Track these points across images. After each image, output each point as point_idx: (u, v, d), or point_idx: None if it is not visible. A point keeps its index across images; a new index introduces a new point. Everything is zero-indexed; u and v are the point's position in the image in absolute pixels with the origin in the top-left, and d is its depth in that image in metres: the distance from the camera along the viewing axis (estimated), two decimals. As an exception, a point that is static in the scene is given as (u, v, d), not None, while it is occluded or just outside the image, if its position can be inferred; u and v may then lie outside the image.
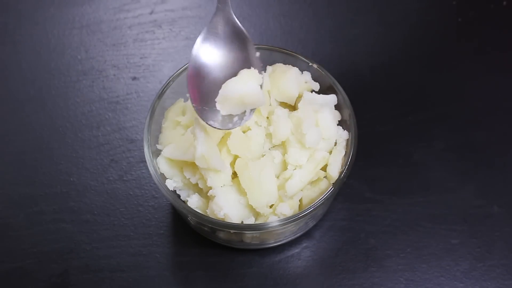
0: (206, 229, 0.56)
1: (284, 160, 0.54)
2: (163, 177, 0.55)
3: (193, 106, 0.49)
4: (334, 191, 0.52)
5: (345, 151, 0.55)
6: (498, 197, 0.63)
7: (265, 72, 0.58)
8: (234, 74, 0.50)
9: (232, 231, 0.52)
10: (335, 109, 0.58)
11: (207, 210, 0.53)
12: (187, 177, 0.54)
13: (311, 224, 0.59)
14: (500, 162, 0.65)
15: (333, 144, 0.56)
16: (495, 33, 0.76)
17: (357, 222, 0.61)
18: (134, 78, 0.73)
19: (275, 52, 0.60)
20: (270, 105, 0.57)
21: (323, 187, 0.54)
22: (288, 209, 0.52)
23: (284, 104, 0.58)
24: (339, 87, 0.57)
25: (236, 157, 0.52)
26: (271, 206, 0.53)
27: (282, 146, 0.55)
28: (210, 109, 0.49)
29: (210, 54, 0.50)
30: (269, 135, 0.54)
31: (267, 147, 0.55)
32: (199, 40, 0.50)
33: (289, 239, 0.59)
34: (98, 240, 0.61)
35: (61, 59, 0.75)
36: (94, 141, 0.68)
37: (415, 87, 0.72)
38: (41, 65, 0.75)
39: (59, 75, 0.74)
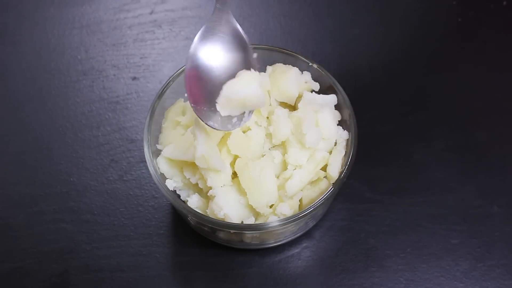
0: (206, 229, 0.56)
1: (284, 160, 0.54)
2: (163, 177, 0.55)
3: (192, 106, 0.49)
4: (334, 191, 0.52)
5: (345, 151, 0.55)
6: (498, 197, 0.63)
7: (265, 72, 0.58)
8: (232, 75, 0.49)
9: (232, 231, 0.52)
10: (335, 109, 0.58)
11: (207, 210, 0.53)
12: (187, 177, 0.54)
13: (311, 224, 0.59)
14: (500, 162, 0.65)
15: (333, 144, 0.56)
16: (495, 33, 0.76)
17: (357, 222, 0.61)
18: (134, 78, 0.73)
19: (275, 52, 0.60)
20: (270, 105, 0.57)
21: (323, 187, 0.54)
22: (288, 209, 0.52)
23: (284, 104, 0.58)
24: (339, 87, 0.57)
25: (236, 157, 0.52)
26: (271, 206, 0.53)
27: (282, 146, 0.55)
28: (209, 110, 0.49)
29: (208, 54, 0.50)
30: (269, 135, 0.54)
31: (267, 147, 0.55)
32: (196, 39, 0.50)
33: (289, 239, 0.59)
34: (98, 240, 0.61)
35: (61, 59, 0.75)
36: (94, 141, 0.68)
37: (415, 87, 0.72)
38: (41, 65, 0.75)
39: (59, 75, 0.74)
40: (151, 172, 0.53)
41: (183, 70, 0.58)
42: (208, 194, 0.52)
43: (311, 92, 0.58)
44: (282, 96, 0.57)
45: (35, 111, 0.71)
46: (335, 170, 0.54)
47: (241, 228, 0.52)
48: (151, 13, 0.80)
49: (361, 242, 0.60)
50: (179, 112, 0.58)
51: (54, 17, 0.79)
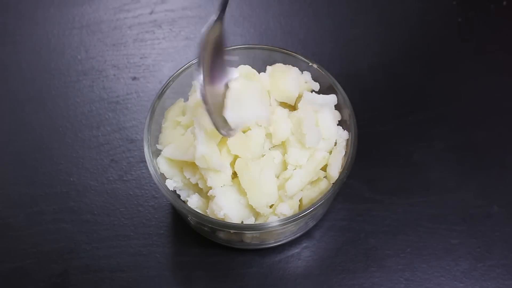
0: (206, 229, 0.56)
1: (284, 160, 0.54)
2: (163, 177, 0.55)
3: (205, 108, 0.46)
4: (334, 191, 0.52)
5: (345, 151, 0.55)
6: (498, 197, 0.63)
7: (265, 72, 0.58)
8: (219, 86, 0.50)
9: (232, 231, 0.52)
10: (335, 109, 0.58)
11: (207, 210, 0.53)
12: (187, 177, 0.54)
13: (311, 224, 0.59)
14: (500, 162, 0.65)
15: (333, 144, 0.56)
16: (495, 33, 0.76)
17: (357, 222, 0.61)
18: (134, 78, 0.73)
19: (275, 52, 0.60)
20: (270, 105, 0.57)
21: (323, 187, 0.54)
22: (288, 209, 0.52)
23: (284, 104, 0.58)
24: (339, 87, 0.57)
25: (236, 157, 0.52)
26: (271, 206, 0.52)
27: (282, 146, 0.55)
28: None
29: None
30: (269, 135, 0.54)
31: (267, 147, 0.55)
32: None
33: (289, 239, 0.59)
34: (98, 240, 0.61)
35: (61, 59, 0.75)
36: (94, 141, 0.68)
37: (415, 87, 0.72)
38: (41, 65, 0.75)
39: (59, 75, 0.74)
40: (151, 172, 0.53)
41: (183, 70, 0.58)
42: (208, 194, 0.52)
43: (311, 92, 0.58)
44: (282, 96, 0.57)
45: (35, 111, 0.71)
46: (335, 170, 0.54)
47: (241, 228, 0.52)
48: (151, 13, 0.80)
49: (361, 242, 0.60)
50: (179, 112, 0.58)
51: (54, 17, 0.79)
